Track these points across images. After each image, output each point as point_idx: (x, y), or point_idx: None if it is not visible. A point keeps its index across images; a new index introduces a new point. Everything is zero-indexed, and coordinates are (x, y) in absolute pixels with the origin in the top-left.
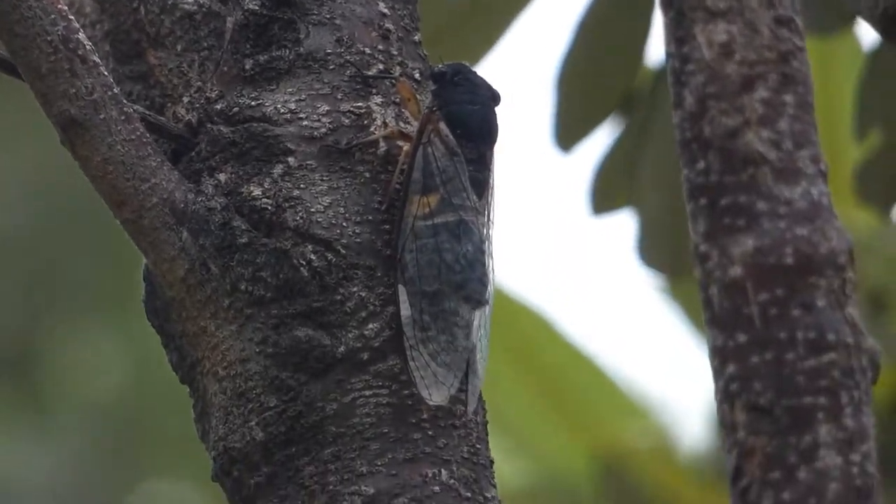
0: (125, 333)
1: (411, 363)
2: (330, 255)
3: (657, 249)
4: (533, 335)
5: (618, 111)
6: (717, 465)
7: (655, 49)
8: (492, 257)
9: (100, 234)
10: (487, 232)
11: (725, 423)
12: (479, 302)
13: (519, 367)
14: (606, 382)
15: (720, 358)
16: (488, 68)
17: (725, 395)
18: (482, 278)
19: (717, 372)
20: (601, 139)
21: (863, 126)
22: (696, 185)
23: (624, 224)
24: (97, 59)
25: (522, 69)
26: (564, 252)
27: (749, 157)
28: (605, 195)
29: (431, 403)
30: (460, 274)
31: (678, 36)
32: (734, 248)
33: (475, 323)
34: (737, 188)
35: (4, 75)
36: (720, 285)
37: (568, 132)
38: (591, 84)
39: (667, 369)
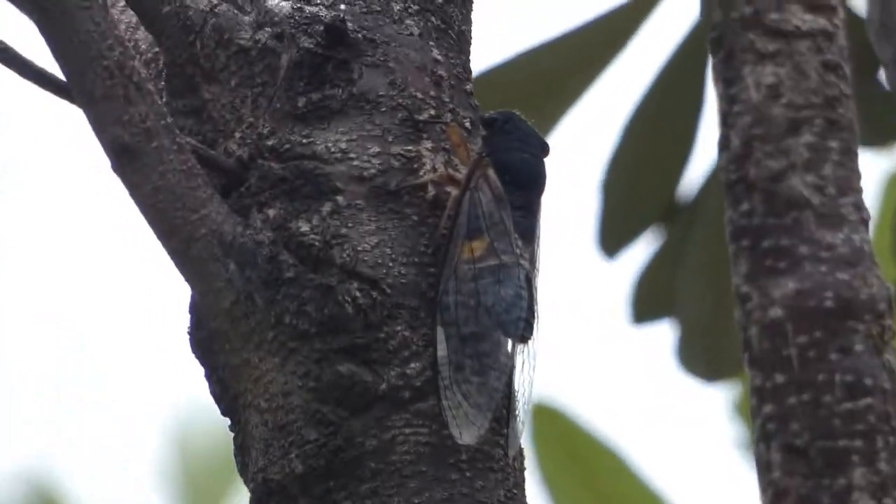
0: None
1: (444, 402)
2: (375, 294)
3: (696, 355)
4: (604, 470)
5: (659, 220)
6: None
7: (699, 160)
8: (536, 302)
9: None
10: (531, 277)
11: (761, 462)
12: (518, 337)
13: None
14: None
15: (758, 398)
16: None
17: (762, 435)
18: (521, 319)
19: (755, 411)
20: (641, 247)
21: None
22: (739, 227)
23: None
24: (151, 88)
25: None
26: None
27: (793, 200)
28: (646, 305)
29: (461, 442)
30: (498, 317)
31: (727, 77)
32: (775, 290)
33: (518, 367)
34: (779, 231)
35: None
36: (760, 326)
37: (613, 238)
38: (637, 190)
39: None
